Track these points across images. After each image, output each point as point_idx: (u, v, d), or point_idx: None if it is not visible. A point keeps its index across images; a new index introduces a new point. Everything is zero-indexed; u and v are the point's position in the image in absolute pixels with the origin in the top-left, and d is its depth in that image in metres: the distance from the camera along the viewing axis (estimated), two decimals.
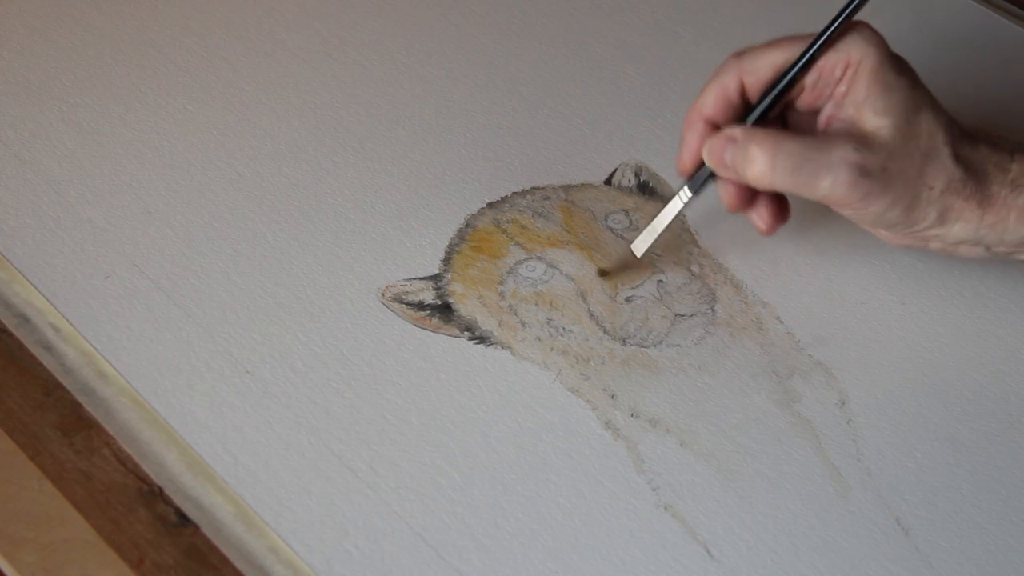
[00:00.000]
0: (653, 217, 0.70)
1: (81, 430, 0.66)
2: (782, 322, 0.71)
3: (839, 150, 0.64)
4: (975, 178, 0.65)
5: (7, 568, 0.62)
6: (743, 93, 0.68)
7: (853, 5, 0.66)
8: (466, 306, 0.71)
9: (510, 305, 0.71)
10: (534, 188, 0.76)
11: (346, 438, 0.65)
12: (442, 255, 0.73)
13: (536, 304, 0.71)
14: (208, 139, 0.78)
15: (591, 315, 0.70)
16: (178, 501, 0.64)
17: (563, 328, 0.70)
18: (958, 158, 0.65)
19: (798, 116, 0.69)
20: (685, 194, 0.69)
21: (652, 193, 0.77)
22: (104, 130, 0.78)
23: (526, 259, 0.73)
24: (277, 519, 0.63)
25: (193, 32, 0.84)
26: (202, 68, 0.82)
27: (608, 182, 0.77)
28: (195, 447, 0.65)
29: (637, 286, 0.71)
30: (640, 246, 0.71)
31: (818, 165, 0.64)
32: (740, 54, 0.68)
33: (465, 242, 0.73)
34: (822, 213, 0.71)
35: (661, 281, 0.72)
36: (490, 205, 0.75)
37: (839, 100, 0.66)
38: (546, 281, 0.72)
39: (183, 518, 0.63)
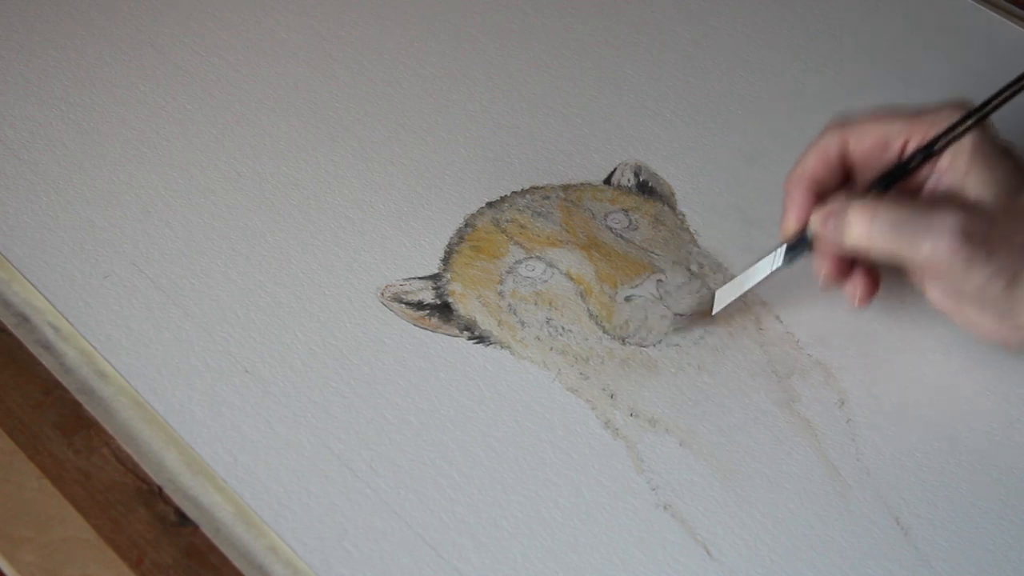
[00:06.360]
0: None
1: (80, 430, 0.66)
2: (781, 321, 0.71)
3: (942, 214, 0.63)
4: None
5: (7, 568, 0.62)
6: (844, 158, 0.67)
7: (986, 110, 0.66)
8: (465, 306, 0.71)
9: (509, 305, 0.71)
10: (533, 188, 0.76)
11: (345, 438, 0.65)
12: (441, 255, 0.73)
13: (535, 303, 0.71)
14: (208, 139, 0.78)
15: (590, 314, 0.70)
16: (177, 501, 0.64)
17: (562, 327, 0.70)
18: None
19: (900, 191, 0.67)
20: (779, 258, 0.68)
21: (651, 192, 0.77)
22: (104, 130, 0.78)
23: (525, 259, 0.73)
24: (276, 518, 0.63)
25: (193, 32, 0.84)
26: (202, 68, 0.82)
27: (607, 182, 0.77)
28: (194, 447, 0.65)
29: (636, 285, 0.71)
30: (719, 304, 0.69)
31: (918, 227, 0.63)
32: (843, 122, 0.68)
33: (464, 242, 0.73)
34: None
35: (660, 280, 0.72)
36: (489, 205, 0.75)
37: (942, 173, 0.66)
38: (545, 281, 0.72)
39: (182, 518, 0.63)
